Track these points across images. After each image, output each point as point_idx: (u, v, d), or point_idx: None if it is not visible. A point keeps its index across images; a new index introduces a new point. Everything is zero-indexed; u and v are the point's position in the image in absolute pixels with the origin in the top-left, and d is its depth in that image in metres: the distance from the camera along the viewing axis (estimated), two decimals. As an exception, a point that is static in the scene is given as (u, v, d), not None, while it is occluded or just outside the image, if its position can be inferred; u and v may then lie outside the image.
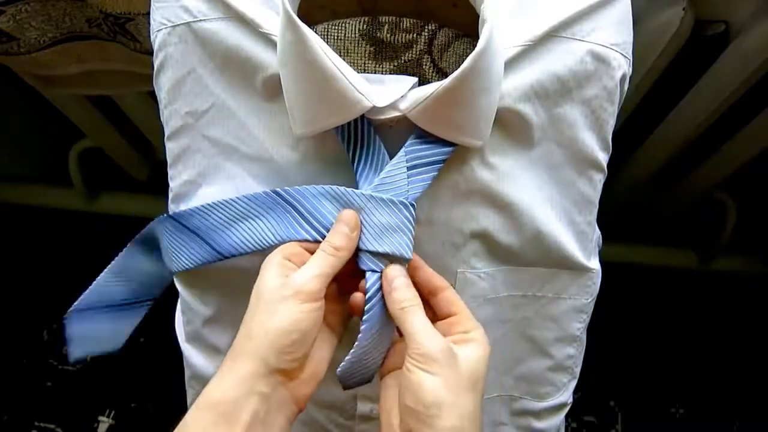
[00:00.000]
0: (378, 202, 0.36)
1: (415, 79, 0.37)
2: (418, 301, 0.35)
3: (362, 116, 0.35)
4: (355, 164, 0.36)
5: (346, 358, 0.36)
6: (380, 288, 0.36)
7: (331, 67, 0.33)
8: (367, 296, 0.36)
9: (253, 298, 0.34)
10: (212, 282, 0.43)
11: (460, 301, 0.37)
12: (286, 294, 0.33)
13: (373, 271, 0.36)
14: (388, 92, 0.35)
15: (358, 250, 0.36)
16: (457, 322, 0.36)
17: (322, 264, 0.35)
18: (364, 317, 0.36)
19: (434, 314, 0.37)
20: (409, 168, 0.36)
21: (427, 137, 0.36)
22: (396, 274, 0.36)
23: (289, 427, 0.35)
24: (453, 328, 0.36)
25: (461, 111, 0.34)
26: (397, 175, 0.36)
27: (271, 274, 0.34)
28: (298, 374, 0.35)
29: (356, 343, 0.36)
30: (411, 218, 0.36)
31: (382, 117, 0.35)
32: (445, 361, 0.33)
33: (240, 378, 0.32)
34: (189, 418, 0.32)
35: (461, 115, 0.35)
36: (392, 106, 0.35)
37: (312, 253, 0.36)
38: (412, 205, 0.36)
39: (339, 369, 0.37)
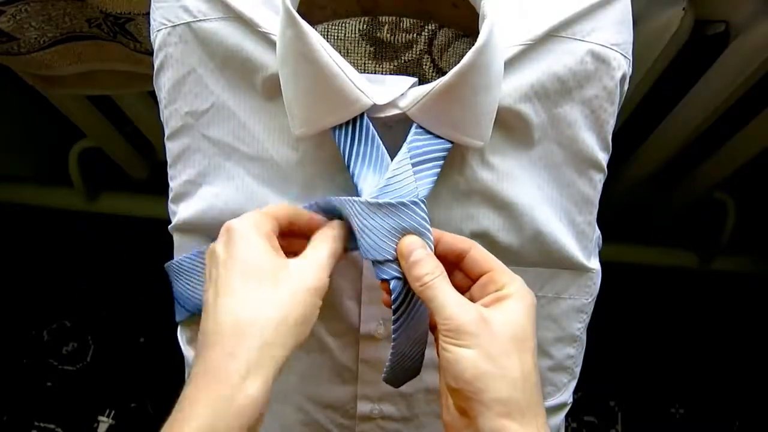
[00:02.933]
0: (390, 208, 0.34)
1: (415, 79, 0.37)
2: (441, 270, 0.33)
3: (362, 115, 0.35)
4: (352, 165, 0.36)
5: (387, 363, 0.36)
6: (406, 295, 0.35)
7: (332, 64, 0.33)
8: (393, 306, 0.35)
9: (237, 272, 0.31)
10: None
11: (489, 256, 0.35)
12: (315, 286, 0.32)
13: (397, 278, 0.34)
14: (388, 91, 0.35)
15: (373, 263, 0.35)
16: (489, 281, 0.34)
17: (327, 253, 0.34)
18: (393, 326, 0.35)
19: (466, 278, 0.35)
20: (413, 165, 0.35)
21: (427, 132, 0.35)
22: (412, 247, 0.33)
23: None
24: (486, 289, 0.34)
25: (461, 108, 0.34)
26: (403, 173, 0.35)
27: (265, 247, 0.32)
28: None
29: (391, 351, 0.35)
30: (426, 216, 0.34)
31: (382, 115, 0.35)
32: (478, 330, 0.31)
33: (256, 396, 0.29)
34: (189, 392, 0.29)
35: (461, 113, 0.34)
36: (392, 104, 0.35)
37: (292, 229, 0.35)
38: (423, 202, 0.34)
39: (383, 375, 0.36)
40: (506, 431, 0.29)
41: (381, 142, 0.36)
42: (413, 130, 0.35)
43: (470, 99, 0.34)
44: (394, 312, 0.35)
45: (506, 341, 0.31)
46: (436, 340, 0.35)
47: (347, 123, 0.35)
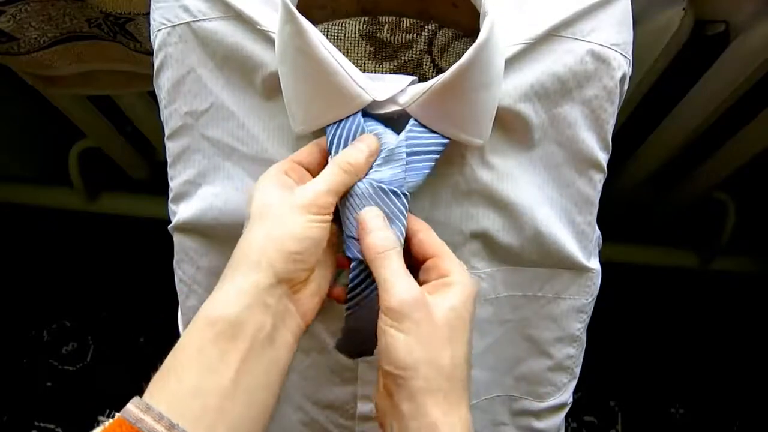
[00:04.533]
0: (371, 189, 0.34)
1: (414, 78, 0.37)
2: (396, 245, 0.33)
3: (361, 113, 0.35)
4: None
5: (338, 337, 0.37)
6: (365, 278, 0.35)
7: (331, 60, 0.33)
8: (350, 285, 0.35)
9: (254, 215, 0.33)
10: (213, 285, 0.43)
11: (437, 241, 0.35)
12: (299, 203, 0.32)
13: (360, 261, 0.34)
14: (388, 87, 0.35)
15: (346, 237, 0.35)
16: (433, 267, 0.34)
17: (335, 180, 0.33)
18: (347, 305, 0.36)
19: (411, 260, 0.35)
20: (408, 155, 0.35)
21: (423, 126, 0.35)
22: (371, 215, 0.33)
23: (295, 346, 0.33)
24: (430, 274, 0.33)
25: (461, 105, 0.34)
26: (395, 162, 0.35)
27: (273, 189, 0.33)
28: (303, 288, 0.33)
29: (343, 327, 0.36)
30: (404, 208, 0.35)
31: (382, 111, 0.35)
32: (418, 314, 0.30)
33: (242, 289, 0.30)
34: (185, 338, 0.30)
35: (461, 110, 0.34)
36: (392, 100, 0.35)
37: (310, 171, 0.35)
38: (405, 195, 0.35)
39: (336, 344, 0.37)
40: (431, 416, 0.30)
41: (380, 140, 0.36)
42: (411, 122, 0.35)
43: (470, 96, 0.34)
44: (350, 291, 0.35)
45: (443, 329, 0.31)
46: None
47: (340, 121, 0.35)
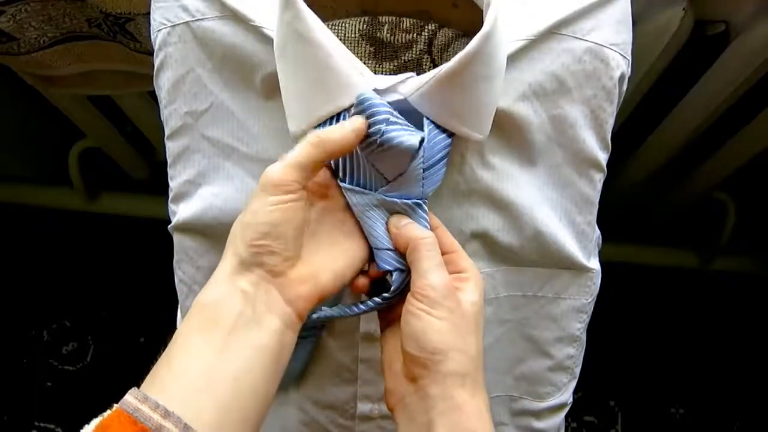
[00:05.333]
0: (397, 206, 0.35)
1: (414, 74, 0.37)
2: (432, 235, 0.34)
3: (348, 109, 0.35)
4: (341, 169, 0.35)
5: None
6: (407, 285, 0.35)
7: (330, 44, 0.33)
8: (392, 293, 0.35)
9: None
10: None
11: (451, 237, 0.36)
12: (262, 184, 0.31)
13: (400, 270, 0.35)
14: (388, 78, 0.35)
15: (376, 250, 0.35)
16: (450, 262, 0.35)
17: (299, 153, 0.31)
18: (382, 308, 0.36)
19: None
20: (425, 169, 0.34)
21: (438, 129, 0.35)
22: (403, 216, 0.35)
23: (289, 332, 0.33)
24: (447, 268, 0.34)
25: (462, 97, 0.34)
26: (410, 181, 0.34)
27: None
28: (285, 272, 0.32)
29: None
30: (426, 215, 0.35)
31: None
32: (453, 304, 0.32)
33: (217, 276, 0.32)
34: (181, 326, 0.31)
35: (462, 102, 0.34)
36: (392, 89, 0.35)
37: None
38: (425, 202, 0.35)
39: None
40: (457, 398, 0.31)
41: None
42: (427, 128, 0.34)
43: (472, 88, 0.34)
44: (389, 298, 0.35)
45: (471, 319, 0.33)
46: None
47: (337, 116, 0.35)
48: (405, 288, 0.35)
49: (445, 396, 0.31)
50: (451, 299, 0.32)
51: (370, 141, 0.33)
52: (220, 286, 0.31)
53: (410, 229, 0.34)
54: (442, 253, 0.35)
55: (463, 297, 0.33)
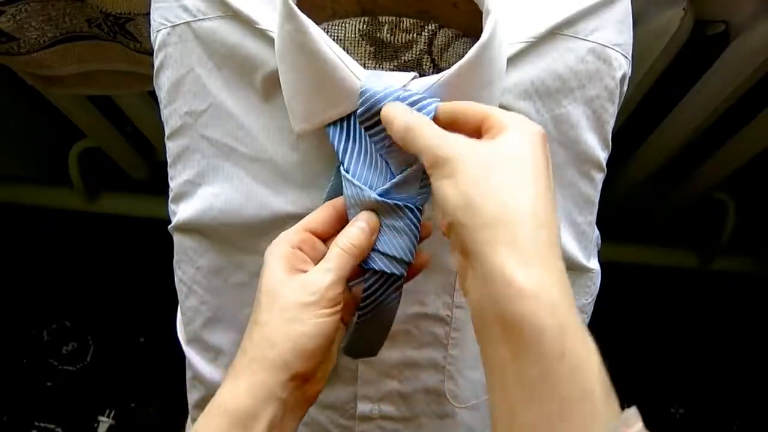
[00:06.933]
0: (389, 207, 0.35)
1: (414, 74, 0.37)
2: (426, 118, 0.31)
3: (355, 111, 0.35)
4: (347, 162, 0.35)
5: (345, 340, 0.37)
6: (379, 287, 0.35)
7: (333, 56, 0.33)
8: (365, 293, 0.35)
9: (264, 296, 0.33)
10: (213, 285, 0.43)
11: (476, 106, 0.31)
12: (308, 301, 0.32)
13: (374, 270, 0.35)
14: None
15: None
16: (484, 128, 0.30)
17: (342, 266, 0.33)
18: (360, 312, 0.36)
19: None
20: (424, 173, 0.34)
21: None
22: (395, 106, 0.32)
23: (297, 428, 0.34)
24: (482, 135, 0.31)
25: None
26: (410, 181, 0.34)
27: (280, 268, 0.33)
28: (314, 375, 0.34)
29: (352, 331, 0.36)
30: (417, 221, 0.35)
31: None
32: (460, 153, 0.28)
33: (258, 384, 0.31)
34: (200, 425, 0.31)
35: None
36: None
37: (320, 236, 0.35)
38: (419, 209, 0.35)
39: (342, 346, 0.37)
40: (497, 256, 0.26)
41: (368, 138, 0.35)
42: None
43: (472, 94, 0.34)
44: (365, 299, 0.35)
45: (497, 161, 0.28)
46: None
47: (342, 120, 0.35)
48: (394, 288, 0.36)
49: (487, 261, 0.26)
50: (457, 149, 0.28)
51: (379, 129, 0.33)
52: (260, 393, 0.31)
53: (400, 119, 0.31)
54: (477, 126, 0.31)
55: (486, 144, 0.29)
